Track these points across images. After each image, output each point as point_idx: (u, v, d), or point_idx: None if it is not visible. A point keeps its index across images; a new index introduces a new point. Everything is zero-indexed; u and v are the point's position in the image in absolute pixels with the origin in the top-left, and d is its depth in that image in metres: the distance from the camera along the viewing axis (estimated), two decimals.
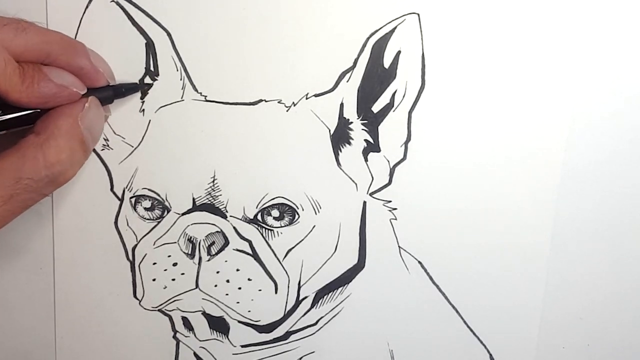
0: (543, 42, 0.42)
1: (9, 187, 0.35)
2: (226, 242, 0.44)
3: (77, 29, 0.42)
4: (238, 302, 0.45)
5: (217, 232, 0.44)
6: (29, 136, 0.37)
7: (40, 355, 0.47)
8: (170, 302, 0.45)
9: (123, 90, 0.42)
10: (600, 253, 0.45)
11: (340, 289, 0.46)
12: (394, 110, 0.43)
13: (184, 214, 0.44)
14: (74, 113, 0.38)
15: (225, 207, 0.44)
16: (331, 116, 0.43)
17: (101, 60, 0.41)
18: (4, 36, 0.36)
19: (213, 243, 0.44)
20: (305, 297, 0.45)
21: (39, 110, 0.38)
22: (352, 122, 0.44)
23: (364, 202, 0.44)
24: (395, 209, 0.45)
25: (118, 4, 0.42)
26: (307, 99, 0.43)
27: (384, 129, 0.43)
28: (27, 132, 0.38)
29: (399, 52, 0.42)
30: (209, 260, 0.44)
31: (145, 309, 0.45)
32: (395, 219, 0.45)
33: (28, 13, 0.42)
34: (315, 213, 0.44)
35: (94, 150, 0.44)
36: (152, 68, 0.43)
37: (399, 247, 0.45)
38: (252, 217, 0.44)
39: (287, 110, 0.43)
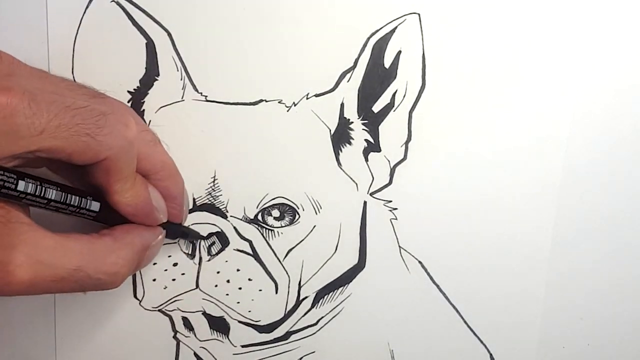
0: (543, 41, 0.42)
1: (67, 270, 0.35)
2: (226, 242, 0.44)
3: (77, 29, 0.42)
4: (238, 302, 0.45)
5: (218, 232, 0.44)
6: (106, 237, 0.37)
7: (40, 355, 0.47)
8: (171, 302, 0.45)
9: (187, 234, 0.43)
10: (601, 253, 0.45)
11: (340, 289, 0.46)
12: (394, 110, 0.43)
13: None
14: (150, 238, 0.40)
15: (225, 207, 0.44)
16: (332, 116, 0.43)
17: (186, 203, 0.43)
18: (143, 144, 0.38)
19: (213, 243, 0.44)
20: (306, 297, 0.45)
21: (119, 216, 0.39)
22: (352, 122, 0.44)
23: (365, 202, 0.44)
24: (396, 208, 0.45)
25: (118, 4, 0.42)
26: (307, 98, 0.43)
27: (385, 129, 0.43)
28: (100, 227, 0.38)
29: (400, 52, 0.42)
30: (209, 261, 0.44)
31: (145, 309, 0.45)
32: (396, 219, 0.45)
33: (28, 13, 0.42)
34: (316, 213, 0.44)
35: None
36: (152, 68, 0.43)
37: (400, 247, 0.45)
38: (252, 217, 0.44)
39: (287, 110, 0.43)
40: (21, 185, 0.33)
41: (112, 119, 0.35)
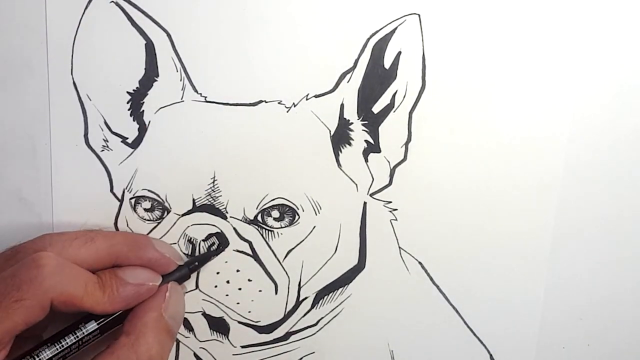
0: (543, 41, 0.42)
1: None
2: (226, 243, 0.44)
3: (77, 30, 0.42)
4: (238, 303, 0.45)
5: (217, 232, 0.44)
6: (120, 338, 0.39)
7: None
8: None
9: (197, 264, 0.43)
10: (600, 253, 0.45)
11: (340, 289, 0.46)
12: (394, 111, 0.43)
13: (183, 215, 0.44)
14: (157, 306, 0.40)
15: (225, 208, 0.44)
16: (331, 117, 0.43)
17: (167, 246, 0.43)
18: (75, 251, 0.39)
19: (213, 244, 0.44)
20: (306, 298, 0.45)
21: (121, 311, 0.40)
22: (352, 123, 0.43)
23: (365, 203, 0.44)
24: (396, 209, 0.45)
25: (117, 4, 0.42)
26: (307, 99, 0.43)
27: (385, 130, 0.43)
28: (117, 332, 0.39)
29: (400, 52, 0.42)
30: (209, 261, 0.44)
31: None
32: (396, 220, 0.45)
33: (27, 13, 0.42)
34: (316, 214, 0.44)
35: (94, 151, 0.44)
36: (151, 69, 0.43)
37: (399, 247, 0.45)
38: (252, 218, 0.44)
39: (287, 111, 0.43)
40: None
41: (24, 272, 0.37)
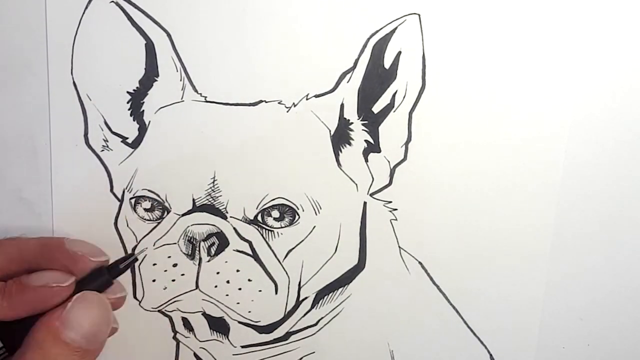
0: (543, 42, 0.42)
1: None
2: (226, 243, 0.44)
3: (77, 30, 0.42)
4: (238, 303, 0.45)
5: (217, 232, 0.44)
6: (14, 355, 0.36)
7: None
8: (170, 303, 0.45)
9: (120, 267, 0.40)
10: (601, 253, 0.45)
11: (340, 289, 0.46)
12: (394, 111, 0.43)
13: (184, 214, 0.44)
14: (50, 319, 0.36)
15: (225, 208, 0.44)
16: (331, 117, 0.43)
17: (82, 244, 0.40)
18: None
19: (213, 244, 0.44)
20: (306, 298, 0.45)
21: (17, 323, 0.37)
22: (352, 123, 0.43)
23: (364, 203, 0.44)
24: (396, 209, 0.45)
25: (117, 4, 0.42)
26: (307, 99, 0.43)
27: (385, 130, 0.43)
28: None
29: (400, 52, 0.42)
30: (209, 261, 0.44)
31: (145, 309, 0.45)
32: (396, 220, 0.45)
33: (27, 14, 0.42)
34: (316, 214, 0.44)
35: (94, 151, 0.44)
36: (151, 69, 0.43)
37: (399, 247, 0.45)
38: (252, 218, 0.44)
39: (287, 111, 0.43)
40: None
41: None
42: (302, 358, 0.47)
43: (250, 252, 0.44)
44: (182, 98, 0.43)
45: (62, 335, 0.36)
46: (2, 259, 0.38)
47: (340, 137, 0.44)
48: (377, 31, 0.42)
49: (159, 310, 0.45)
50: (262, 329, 0.46)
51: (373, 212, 0.45)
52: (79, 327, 0.36)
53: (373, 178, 0.44)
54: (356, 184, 0.44)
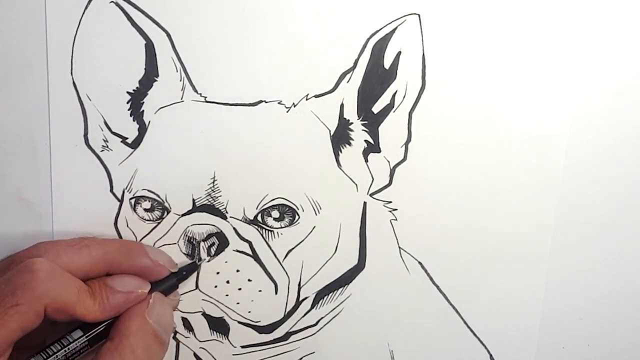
0: (543, 41, 0.42)
1: None
2: (226, 243, 0.44)
3: (77, 30, 0.42)
4: (238, 303, 0.45)
5: (217, 232, 0.44)
6: (105, 344, 0.39)
7: None
8: None
9: (184, 274, 0.43)
10: (601, 253, 0.45)
11: (340, 289, 0.46)
12: (394, 111, 0.43)
13: (183, 215, 0.44)
14: (140, 311, 0.40)
15: (225, 208, 0.44)
16: (331, 117, 0.43)
17: (160, 253, 0.43)
18: (69, 258, 0.39)
19: (213, 244, 0.44)
20: (306, 298, 0.45)
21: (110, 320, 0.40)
22: (352, 123, 0.43)
23: (364, 203, 0.44)
24: (396, 209, 0.45)
25: (117, 4, 0.42)
26: (307, 99, 0.43)
27: (384, 130, 0.43)
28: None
29: (400, 52, 0.42)
30: (209, 261, 0.44)
31: None
32: (396, 220, 0.45)
33: (27, 14, 0.42)
34: (316, 214, 0.44)
35: (93, 151, 0.44)
36: (151, 69, 0.43)
37: (399, 247, 0.45)
38: (252, 218, 0.44)
39: (287, 111, 0.43)
40: None
41: (19, 278, 0.37)
42: (302, 358, 0.47)
43: (250, 252, 0.44)
44: (182, 98, 0.43)
45: (150, 325, 0.40)
46: (88, 260, 0.40)
47: (340, 137, 0.44)
48: (377, 31, 0.42)
49: None
50: (262, 329, 0.46)
51: (373, 212, 0.45)
52: (162, 320, 0.41)
53: (373, 178, 0.44)
54: (356, 184, 0.44)
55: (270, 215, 0.44)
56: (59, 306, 0.37)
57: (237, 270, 0.44)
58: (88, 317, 0.39)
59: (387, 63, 0.42)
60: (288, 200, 0.44)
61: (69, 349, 0.39)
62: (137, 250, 0.42)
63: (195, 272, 0.44)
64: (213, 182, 0.44)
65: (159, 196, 0.44)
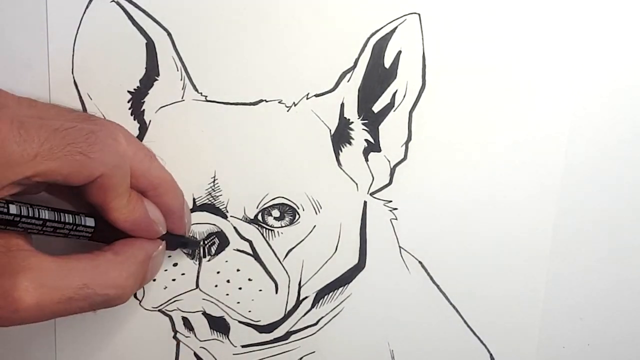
0: (543, 42, 0.42)
1: (72, 290, 0.35)
2: (226, 242, 0.44)
3: (77, 29, 0.42)
4: (238, 302, 0.45)
5: (218, 232, 0.44)
6: (107, 252, 0.38)
7: (41, 355, 0.46)
8: (171, 303, 0.45)
9: (187, 244, 0.43)
10: (601, 253, 0.45)
11: (340, 289, 0.46)
12: (394, 110, 0.43)
13: None
14: (150, 249, 0.40)
15: (225, 207, 0.44)
16: (332, 116, 0.43)
17: (187, 215, 0.43)
18: (137, 161, 0.38)
19: (213, 243, 0.44)
20: (306, 297, 0.45)
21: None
22: (352, 122, 0.44)
23: (365, 202, 0.44)
24: (396, 209, 0.45)
25: (118, 4, 0.42)
26: (307, 98, 0.43)
27: (385, 129, 0.43)
28: (100, 245, 0.39)
29: (400, 52, 0.42)
30: (209, 261, 0.44)
31: (145, 309, 0.45)
32: (396, 219, 0.45)
33: (28, 13, 0.42)
34: (316, 213, 0.44)
35: None
36: (152, 68, 0.43)
37: (400, 247, 0.45)
38: (252, 217, 0.44)
39: (287, 110, 0.43)
40: (13, 209, 0.34)
41: (102, 135, 0.36)
42: (302, 358, 0.47)
43: (251, 252, 0.44)
44: (182, 97, 0.43)
45: (148, 265, 0.40)
46: (146, 170, 0.39)
47: (341, 137, 0.44)
48: (377, 30, 0.42)
49: (159, 310, 0.45)
50: (262, 329, 0.46)
51: (373, 212, 0.45)
52: (154, 269, 0.41)
53: (373, 177, 0.44)
54: (356, 184, 0.44)
55: (271, 215, 0.44)
56: (107, 182, 0.36)
57: (238, 270, 0.44)
58: (113, 212, 0.37)
59: (388, 62, 0.42)
60: (288, 200, 0.44)
61: (75, 225, 0.37)
62: (179, 194, 0.42)
63: (196, 272, 0.44)
64: (213, 181, 0.44)
65: None
